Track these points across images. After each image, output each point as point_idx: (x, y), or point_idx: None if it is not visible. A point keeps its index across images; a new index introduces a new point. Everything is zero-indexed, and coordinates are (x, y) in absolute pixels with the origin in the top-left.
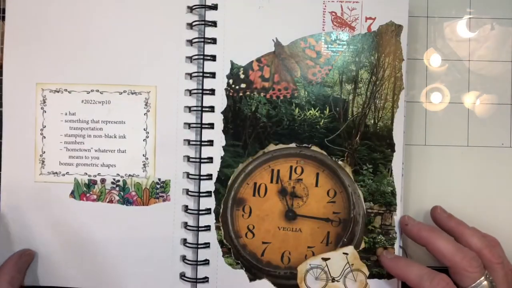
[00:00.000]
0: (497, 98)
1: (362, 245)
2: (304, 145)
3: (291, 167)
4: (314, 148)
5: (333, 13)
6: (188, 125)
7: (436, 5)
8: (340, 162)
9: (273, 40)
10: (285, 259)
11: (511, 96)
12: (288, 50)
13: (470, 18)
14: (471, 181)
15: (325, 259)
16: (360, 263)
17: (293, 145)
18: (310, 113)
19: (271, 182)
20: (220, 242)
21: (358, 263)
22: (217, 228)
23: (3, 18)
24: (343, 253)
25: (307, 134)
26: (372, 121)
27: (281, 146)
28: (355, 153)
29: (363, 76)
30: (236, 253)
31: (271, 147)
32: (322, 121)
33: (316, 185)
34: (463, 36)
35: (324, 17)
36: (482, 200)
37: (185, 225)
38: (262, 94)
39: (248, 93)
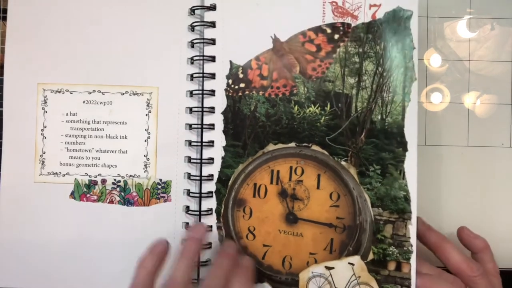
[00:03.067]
0: (497, 98)
1: (370, 256)
2: (304, 144)
3: (290, 167)
4: (315, 147)
5: (334, 3)
6: (189, 126)
7: (436, 5)
8: (343, 163)
9: (271, 37)
10: (286, 264)
11: (511, 96)
12: (287, 46)
13: (470, 18)
14: (471, 181)
15: (329, 268)
16: (369, 276)
17: (292, 144)
18: (309, 111)
19: (271, 183)
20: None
21: (366, 275)
22: (219, 228)
23: (4, 18)
24: (349, 263)
25: (307, 132)
26: (379, 117)
27: (280, 145)
28: (360, 152)
29: (368, 67)
30: None
31: (270, 147)
32: (323, 118)
33: (318, 187)
34: (463, 36)
35: (324, 8)
36: (482, 200)
37: (186, 225)
38: (261, 92)
39: (247, 92)
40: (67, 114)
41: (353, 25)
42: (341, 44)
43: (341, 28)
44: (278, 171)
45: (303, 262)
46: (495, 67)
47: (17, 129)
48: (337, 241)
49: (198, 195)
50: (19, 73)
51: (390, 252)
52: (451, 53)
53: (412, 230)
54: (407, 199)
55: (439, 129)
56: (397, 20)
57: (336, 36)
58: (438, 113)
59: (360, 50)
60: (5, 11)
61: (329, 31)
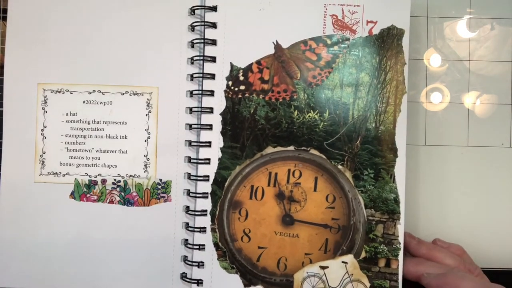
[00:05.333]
0: (497, 98)
1: (363, 254)
2: (302, 148)
3: (289, 170)
4: (313, 151)
5: (334, 16)
6: (189, 126)
7: (436, 5)
8: (339, 167)
9: (273, 42)
10: (281, 266)
11: (511, 96)
12: (288, 52)
13: (470, 18)
14: (471, 181)
15: (323, 268)
16: (360, 274)
17: (291, 148)
18: (309, 116)
19: (268, 185)
20: (216, 245)
21: (358, 273)
22: (213, 230)
23: (4, 18)
24: (342, 262)
25: (306, 137)
26: (374, 125)
27: (279, 148)
28: (356, 157)
29: (364, 79)
30: (231, 257)
31: (269, 149)
32: (322, 124)
33: (315, 190)
34: (463, 36)
35: (324, 20)
36: (481, 200)
37: (186, 225)
38: (261, 96)
39: (247, 95)
40: (67, 114)
41: (351, 38)
42: (340, 55)
43: (340, 40)
44: (276, 174)
45: (298, 263)
46: (495, 67)
47: (17, 129)
48: (331, 241)
49: (198, 195)
50: (19, 73)
51: (381, 250)
52: (451, 53)
53: (400, 229)
54: (396, 201)
55: (439, 129)
56: (391, 37)
57: (336, 48)
58: (438, 113)
59: (358, 62)
60: (5, 11)
61: (329, 42)
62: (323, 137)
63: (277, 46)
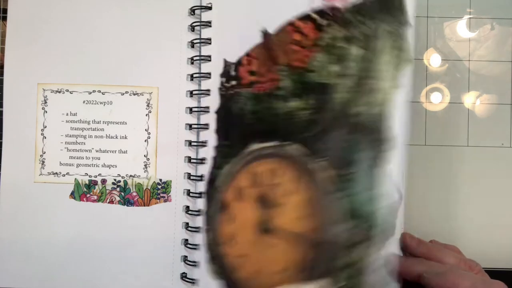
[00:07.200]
0: (497, 98)
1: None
2: (286, 142)
3: (269, 169)
4: (295, 146)
5: None
6: (189, 126)
7: (436, 5)
8: (324, 163)
9: (261, 31)
10: (259, 278)
11: (511, 96)
12: (276, 38)
13: (470, 18)
14: (471, 181)
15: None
16: None
17: (274, 143)
18: (293, 105)
19: (249, 185)
20: (207, 246)
21: None
22: (208, 230)
23: (4, 18)
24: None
25: (289, 129)
26: (364, 108)
27: (260, 145)
28: (342, 151)
29: (354, 52)
30: (219, 261)
31: (252, 146)
32: (306, 113)
33: (295, 193)
34: (463, 36)
35: None
36: (481, 200)
37: (186, 226)
38: (248, 89)
39: (237, 90)
40: (67, 114)
41: (342, 8)
42: (329, 30)
43: (330, 14)
44: (257, 173)
45: (275, 276)
46: (495, 67)
47: (17, 129)
48: (309, 255)
49: (197, 195)
50: (19, 73)
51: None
52: (451, 53)
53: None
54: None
55: (439, 129)
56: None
57: (325, 22)
58: (438, 113)
59: (349, 34)
60: (5, 11)
61: (317, 17)
62: (307, 128)
63: (265, 34)
